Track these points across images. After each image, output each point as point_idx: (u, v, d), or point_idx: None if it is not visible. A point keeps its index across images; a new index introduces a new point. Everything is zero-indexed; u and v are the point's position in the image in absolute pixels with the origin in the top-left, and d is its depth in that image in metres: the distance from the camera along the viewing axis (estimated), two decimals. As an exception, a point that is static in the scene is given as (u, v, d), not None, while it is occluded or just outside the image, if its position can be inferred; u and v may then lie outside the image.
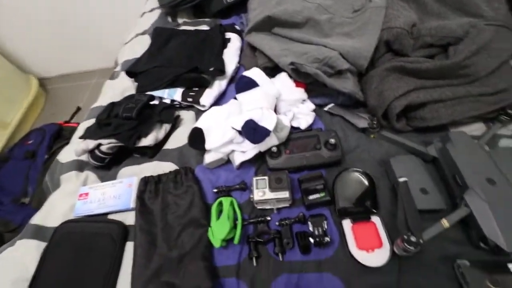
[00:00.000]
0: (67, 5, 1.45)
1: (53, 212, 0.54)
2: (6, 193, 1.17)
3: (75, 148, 0.54)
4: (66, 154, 0.62)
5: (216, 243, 0.42)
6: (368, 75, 0.53)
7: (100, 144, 0.51)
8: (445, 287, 0.38)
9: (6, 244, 0.54)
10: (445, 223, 0.39)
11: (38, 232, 0.51)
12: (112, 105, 0.54)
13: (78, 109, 1.60)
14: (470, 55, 0.45)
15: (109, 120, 0.51)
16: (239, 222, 0.45)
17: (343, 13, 0.57)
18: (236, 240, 0.43)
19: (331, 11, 0.58)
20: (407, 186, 0.42)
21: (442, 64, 0.47)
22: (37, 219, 0.53)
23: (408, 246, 0.36)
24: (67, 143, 1.24)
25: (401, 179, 0.43)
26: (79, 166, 0.58)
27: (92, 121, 0.65)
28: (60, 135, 1.30)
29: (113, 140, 0.51)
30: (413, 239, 0.36)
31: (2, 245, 1.06)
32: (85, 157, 0.57)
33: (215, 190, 0.50)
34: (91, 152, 0.53)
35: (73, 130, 1.31)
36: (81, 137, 0.53)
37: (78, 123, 1.35)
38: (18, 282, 0.45)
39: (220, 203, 0.47)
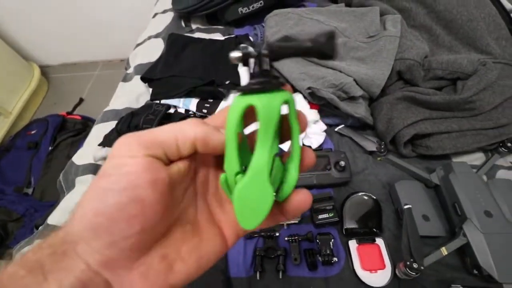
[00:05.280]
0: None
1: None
2: (8, 183, 1.17)
3: (93, 154, 0.55)
4: (81, 157, 0.63)
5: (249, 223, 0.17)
6: (379, 101, 0.55)
7: (118, 153, 0.53)
8: (440, 308, 0.41)
9: (23, 241, 0.56)
10: (444, 251, 0.42)
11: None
12: (132, 115, 0.56)
13: (81, 100, 1.59)
14: (477, 92, 0.48)
15: (129, 131, 0.53)
16: (295, 148, 0.18)
17: (357, 37, 0.59)
18: (288, 191, 0.18)
19: (346, 35, 0.60)
20: (411, 213, 0.45)
21: (450, 98, 0.49)
22: (55, 219, 0.55)
23: (410, 272, 0.39)
24: (71, 136, 1.26)
25: (406, 206, 0.46)
26: (95, 169, 0.60)
27: (106, 124, 0.67)
28: (63, 127, 1.30)
29: (131, 150, 0.52)
30: (415, 265, 0.39)
31: (6, 233, 1.07)
32: (101, 162, 0.59)
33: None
34: (108, 159, 0.55)
35: (76, 122, 1.33)
36: (100, 145, 0.54)
37: (81, 116, 1.37)
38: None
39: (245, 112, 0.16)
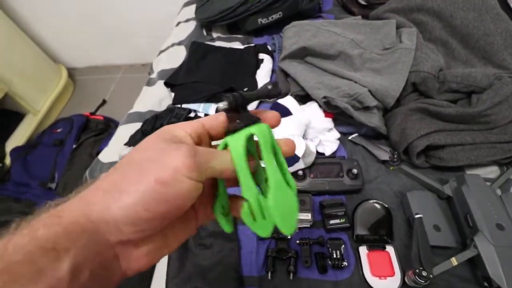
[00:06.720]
0: (100, 1, 1.52)
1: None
2: (34, 177, 1.24)
3: (119, 153, 0.60)
4: (107, 155, 0.67)
5: (287, 227, 0.19)
6: (393, 112, 0.56)
7: (142, 152, 0.57)
8: (449, 319, 0.42)
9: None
10: (454, 261, 0.43)
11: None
12: (156, 117, 0.60)
13: (104, 101, 1.68)
14: (492, 106, 0.49)
15: (153, 132, 0.57)
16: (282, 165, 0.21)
17: (373, 49, 0.61)
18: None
19: (363, 46, 0.62)
20: (422, 222, 0.46)
21: (464, 111, 0.50)
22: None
23: (419, 279, 0.40)
24: (94, 135, 1.33)
25: (417, 216, 0.47)
26: (119, 168, 0.64)
27: (131, 125, 0.71)
28: (86, 127, 1.37)
29: (155, 150, 0.56)
30: (424, 273, 0.40)
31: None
32: (125, 161, 0.63)
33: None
34: (132, 158, 0.59)
35: (98, 122, 1.40)
36: (126, 144, 0.59)
37: (103, 116, 1.44)
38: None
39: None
